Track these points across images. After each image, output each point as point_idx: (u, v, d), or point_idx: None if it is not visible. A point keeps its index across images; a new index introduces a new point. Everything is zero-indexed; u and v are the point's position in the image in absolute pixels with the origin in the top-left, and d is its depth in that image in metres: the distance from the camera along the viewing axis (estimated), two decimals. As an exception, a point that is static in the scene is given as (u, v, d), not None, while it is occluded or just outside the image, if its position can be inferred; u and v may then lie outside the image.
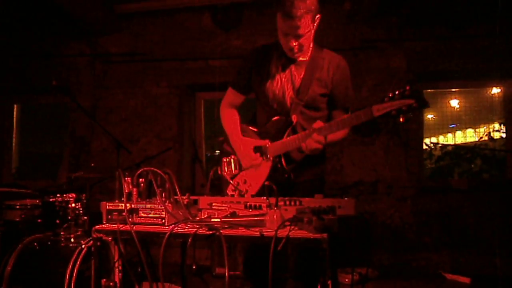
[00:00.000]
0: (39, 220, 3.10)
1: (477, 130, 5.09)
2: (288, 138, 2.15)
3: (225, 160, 2.27)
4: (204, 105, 5.37)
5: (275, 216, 1.45)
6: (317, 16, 2.05)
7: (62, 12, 4.53)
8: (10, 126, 5.67)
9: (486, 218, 4.37)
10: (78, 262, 2.54)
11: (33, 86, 5.34)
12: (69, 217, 2.89)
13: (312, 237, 1.34)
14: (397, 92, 1.78)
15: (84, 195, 2.99)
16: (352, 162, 4.62)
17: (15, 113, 5.72)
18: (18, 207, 3.07)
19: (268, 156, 2.18)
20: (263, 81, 2.27)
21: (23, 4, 4.76)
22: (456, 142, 5.17)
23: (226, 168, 2.24)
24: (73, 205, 2.89)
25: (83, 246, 2.63)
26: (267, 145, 2.19)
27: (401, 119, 1.82)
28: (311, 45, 2.23)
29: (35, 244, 2.80)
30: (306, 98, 2.21)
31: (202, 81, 5.00)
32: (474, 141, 5.02)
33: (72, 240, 2.84)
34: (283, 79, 2.24)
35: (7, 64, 5.37)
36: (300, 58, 2.22)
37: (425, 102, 1.76)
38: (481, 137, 4.96)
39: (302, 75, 2.22)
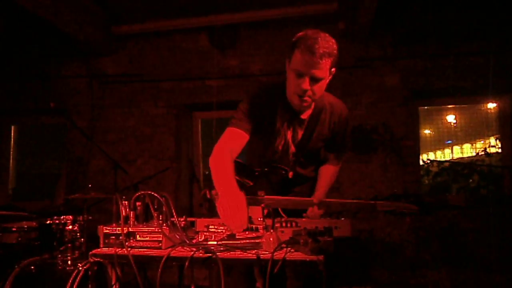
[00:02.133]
0: (36, 243, 3.10)
1: (473, 145, 5.12)
2: (286, 198, 2.05)
3: (214, 192, 2.06)
4: (201, 124, 5.40)
5: (271, 239, 1.45)
6: (333, 69, 1.96)
7: (59, 34, 4.59)
8: (7, 147, 5.68)
9: (485, 234, 4.36)
10: (75, 285, 2.53)
11: (31, 107, 5.38)
12: (66, 239, 2.89)
13: (308, 259, 1.34)
14: (402, 198, 1.95)
15: (81, 217, 2.98)
16: (349, 180, 4.63)
17: (12, 133, 5.74)
18: (14, 229, 3.06)
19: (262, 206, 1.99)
20: (267, 134, 2.13)
21: (21, 26, 4.83)
22: (454, 158, 5.19)
23: (216, 196, 2.01)
24: (70, 227, 2.89)
25: (80, 268, 2.63)
26: (264, 196, 1.96)
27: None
28: None
29: (32, 267, 2.78)
30: (305, 153, 2.18)
31: (199, 100, 5.04)
32: (471, 156, 5.04)
33: (69, 262, 2.83)
34: (288, 136, 2.13)
35: (4, 85, 5.41)
36: (302, 116, 2.12)
37: (428, 211, 1.94)
38: (478, 153, 4.98)
39: (303, 132, 2.14)
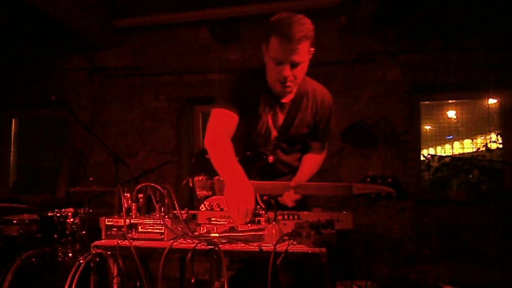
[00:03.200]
0: (37, 235, 3.10)
1: (474, 140, 5.11)
2: (263, 182, 1.97)
3: (197, 179, 2.06)
4: (202, 118, 5.39)
5: (273, 231, 1.45)
6: (311, 49, 1.93)
7: (61, 27, 4.58)
8: (8, 140, 5.67)
9: (485, 229, 4.37)
10: (76, 277, 2.53)
11: (32, 100, 5.37)
12: (67, 232, 2.88)
13: (310, 252, 1.34)
14: (379, 179, 1.84)
15: (82, 209, 2.98)
16: (350, 174, 4.63)
17: (13, 127, 5.74)
18: (15, 222, 3.06)
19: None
20: (249, 119, 2.09)
21: (22, 19, 4.81)
22: (454, 153, 5.18)
23: (198, 188, 2.06)
24: (71, 220, 2.89)
25: (81, 261, 2.63)
26: None
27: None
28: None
29: (33, 259, 2.78)
30: (286, 138, 2.13)
31: (200, 94, 5.03)
32: (471, 152, 5.04)
33: (70, 255, 2.83)
34: (269, 120, 2.11)
35: (5, 78, 5.40)
36: (284, 101, 2.10)
37: (405, 195, 1.83)
38: (478, 148, 4.97)
39: (284, 116, 2.11)
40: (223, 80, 2.21)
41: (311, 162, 2.26)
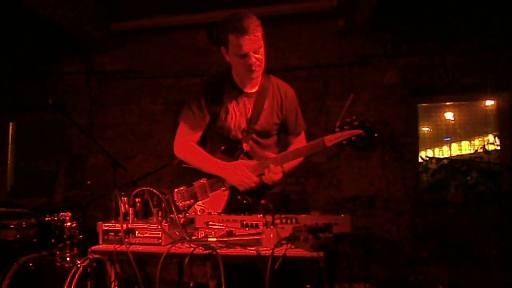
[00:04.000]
0: (34, 240, 3.08)
1: (472, 142, 5.11)
2: (244, 165, 2.15)
3: (176, 191, 2.16)
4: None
5: (271, 235, 1.45)
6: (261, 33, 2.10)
7: (58, 30, 4.57)
8: (5, 144, 5.65)
9: (483, 231, 4.36)
10: (74, 282, 2.52)
11: (29, 104, 5.36)
12: (65, 236, 2.87)
13: (308, 256, 1.34)
14: (345, 126, 1.95)
15: (80, 213, 2.97)
16: (348, 177, 4.63)
17: (11, 130, 5.72)
18: (13, 226, 3.05)
19: (225, 184, 2.14)
20: (217, 116, 2.24)
21: (19, 22, 4.80)
22: (452, 155, 5.18)
23: (179, 199, 2.14)
24: (69, 224, 2.87)
25: (79, 265, 2.62)
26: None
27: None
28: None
29: (31, 264, 2.77)
30: (257, 128, 2.24)
31: (198, 97, 5.01)
32: (469, 153, 5.04)
33: (68, 259, 2.81)
34: (237, 112, 2.25)
35: (3, 81, 5.39)
36: (250, 90, 2.25)
37: (372, 130, 1.92)
38: (476, 150, 4.97)
39: (252, 106, 2.25)
40: (189, 97, 2.34)
41: (295, 146, 2.33)
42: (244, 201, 2.11)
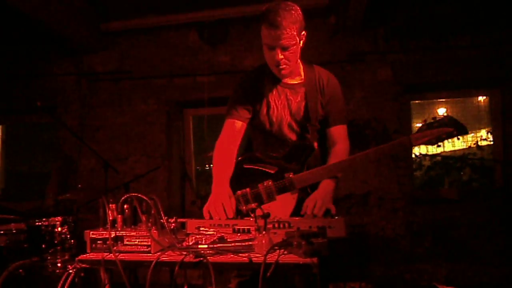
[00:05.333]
0: (25, 245, 3.03)
1: (465, 137, 5.12)
2: (318, 168, 2.07)
3: (239, 193, 2.04)
4: (193, 121, 5.34)
5: (263, 241, 1.42)
6: (303, 33, 2.03)
7: (47, 31, 4.51)
8: (-4, 147, 5.59)
9: (478, 227, 4.37)
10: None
11: (19, 106, 5.29)
12: (56, 241, 2.82)
13: (301, 262, 1.31)
14: (435, 123, 1.86)
15: (70, 218, 2.92)
16: (342, 175, 4.60)
17: (0, 133, 5.65)
18: (2, 232, 2.99)
19: (296, 187, 2.03)
20: (259, 110, 2.20)
21: (8, 23, 4.73)
22: (445, 150, 5.19)
23: (243, 202, 2.02)
24: (60, 229, 2.83)
25: (70, 271, 2.57)
26: (291, 176, 2.04)
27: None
28: (301, 65, 2.21)
29: (21, 270, 2.72)
30: (314, 122, 2.18)
31: (190, 97, 4.98)
32: (462, 149, 5.04)
33: (59, 265, 2.77)
34: (279, 106, 2.19)
35: (-8, 84, 5.32)
36: (291, 82, 2.18)
37: (465, 129, 1.85)
38: (470, 146, 4.98)
39: (298, 99, 2.18)
40: (233, 89, 2.34)
41: (338, 154, 2.22)
42: (253, 205, 2.02)
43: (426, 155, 5.02)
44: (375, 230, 4.53)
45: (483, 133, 4.96)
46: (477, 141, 4.93)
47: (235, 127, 2.19)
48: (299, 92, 2.19)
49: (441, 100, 5.12)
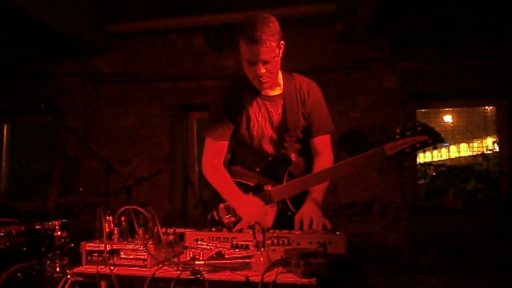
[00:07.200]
0: (24, 248, 3.02)
1: (470, 144, 5.07)
2: (294, 181, 2.04)
3: (222, 206, 2.06)
4: (197, 125, 5.32)
5: (261, 259, 1.39)
6: (281, 42, 1.99)
7: (53, 32, 4.51)
8: (0, 146, 5.59)
9: (482, 238, 4.32)
10: (64, 293, 2.46)
11: (24, 106, 5.31)
12: (55, 245, 2.81)
13: (299, 283, 1.28)
14: (408, 132, 1.79)
15: (71, 221, 2.91)
16: (346, 183, 4.58)
17: (5, 132, 5.66)
18: (2, 234, 2.98)
19: (274, 200, 2.02)
20: (240, 124, 2.16)
21: (14, 24, 4.74)
22: (450, 157, 5.14)
23: (224, 215, 2.04)
24: (59, 233, 2.81)
25: (68, 276, 2.56)
26: (269, 189, 2.03)
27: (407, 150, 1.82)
28: (281, 75, 2.17)
29: (19, 274, 2.71)
30: (294, 133, 2.14)
31: (195, 101, 4.97)
32: (468, 156, 5.00)
33: (58, 269, 2.75)
34: (260, 118, 2.15)
35: (-3, 84, 5.33)
36: (271, 93, 2.15)
37: (440, 138, 1.76)
38: (476, 155, 4.92)
39: (279, 111, 2.14)
40: (211, 104, 2.31)
41: (320, 165, 2.17)
42: (289, 213, 2.03)
43: (431, 164, 4.98)
44: (378, 239, 4.49)
45: (489, 142, 4.91)
46: (483, 151, 4.88)
47: (217, 145, 2.19)
48: (279, 104, 2.14)
49: (447, 109, 5.08)
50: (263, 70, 1.96)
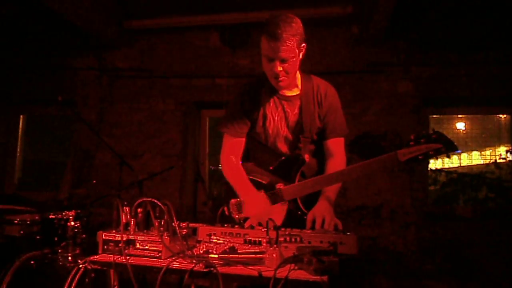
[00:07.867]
0: (37, 237, 3.07)
1: (482, 153, 5.04)
2: (306, 181, 2.06)
3: (233, 202, 2.07)
4: (209, 123, 5.36)
5: (274, 255, 1.41)
6: (303, 45, 2.01)
7: (71, 26, 4.58)
8: (15, 136, 5.69)
9: (491, 247, 4.29)
10: (74, 282, 2.50)
11: (41, 97, 5.39)
12: (68, 235, 2.86)
13: (311, 280, 1.30)
14: (422, 139, 1.81)
15: (84, 212, 2.96)
16: (355, 186, 4.58)
17: (21, 123, 5.75)
18: (17, 222, 3.04)
19: (285, 199, 2.06)
20: (256, 122, 2.19)
21: (33, 18, 4.82)
22: (462, 165, 5.11)
23: (235, 211, 2.06)
24: (72, 223, 2.86)
25: (80, 266, 2.60)
26: (281, 188, 2.07)
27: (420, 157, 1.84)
28: (299, 76, 2.19)
29: (32, 262, 2.76)
30: (309, 134, 2.16)
31: (208, 98, 5.01)
32: (479, 164, 4.96)
33: (70, 259, 2.80)
34: (276, 117, 2.17)
35: (15, 75, 5.42)
36: (289, 94, 2.17)
37: (454, 146, 1.78)
38: (488, 163, 4.89)
39: (295, 111, 2.16)
40: (229, 101, 2.34)
41: (333, 167, 2.19)
42: (299, 212, 2.06)
43: (442, 170, 4.95)
44: (386, 244, 4.49)
45: (502, 151, 4.87)
46: (495, 160, 4.84)
47: (234, 141, 2.23)
48: (296, 104, 2.17)
49: (460, 116, 5.05)
50: (280, 68, 1.98)
